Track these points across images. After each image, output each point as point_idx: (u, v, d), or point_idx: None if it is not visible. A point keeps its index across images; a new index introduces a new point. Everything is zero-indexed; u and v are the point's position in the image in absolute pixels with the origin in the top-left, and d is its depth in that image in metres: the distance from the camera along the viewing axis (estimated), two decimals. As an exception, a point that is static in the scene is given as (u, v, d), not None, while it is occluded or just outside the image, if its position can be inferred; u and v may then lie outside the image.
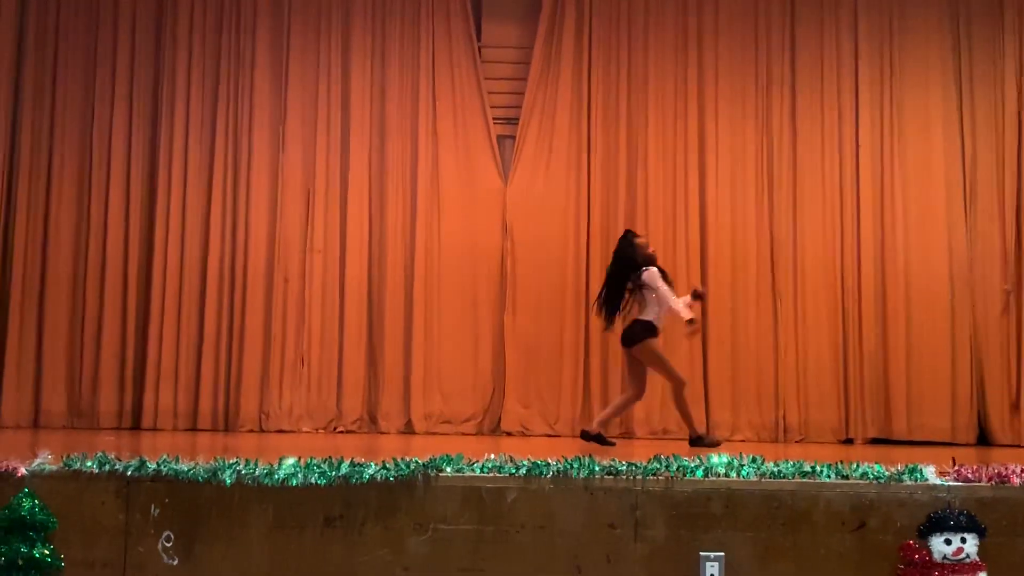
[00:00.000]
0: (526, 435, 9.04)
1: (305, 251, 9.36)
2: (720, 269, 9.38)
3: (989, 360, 9.18)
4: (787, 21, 9.64)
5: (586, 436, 7.26)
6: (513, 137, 9.58)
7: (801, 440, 9.07)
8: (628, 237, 7.46)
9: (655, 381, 9.09)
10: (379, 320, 9.33)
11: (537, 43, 9.55)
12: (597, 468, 3.97)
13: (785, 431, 9.17)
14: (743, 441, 9.01)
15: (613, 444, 7.19)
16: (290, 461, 3.93)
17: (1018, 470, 3.92)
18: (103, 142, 9.39)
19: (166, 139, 9.41)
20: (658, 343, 7.28)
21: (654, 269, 7.20)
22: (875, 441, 9.04)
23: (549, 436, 8.99)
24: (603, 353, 9.31)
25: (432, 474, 3.93)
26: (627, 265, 7.28)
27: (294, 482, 3.88)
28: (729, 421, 9.24)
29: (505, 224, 9.46)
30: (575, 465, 3.95)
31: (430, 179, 9.48)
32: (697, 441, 7.24)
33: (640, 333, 7.19)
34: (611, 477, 3.96)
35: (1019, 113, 9.39)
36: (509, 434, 9.10)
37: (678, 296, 7.29)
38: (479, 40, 9.66)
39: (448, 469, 3.95)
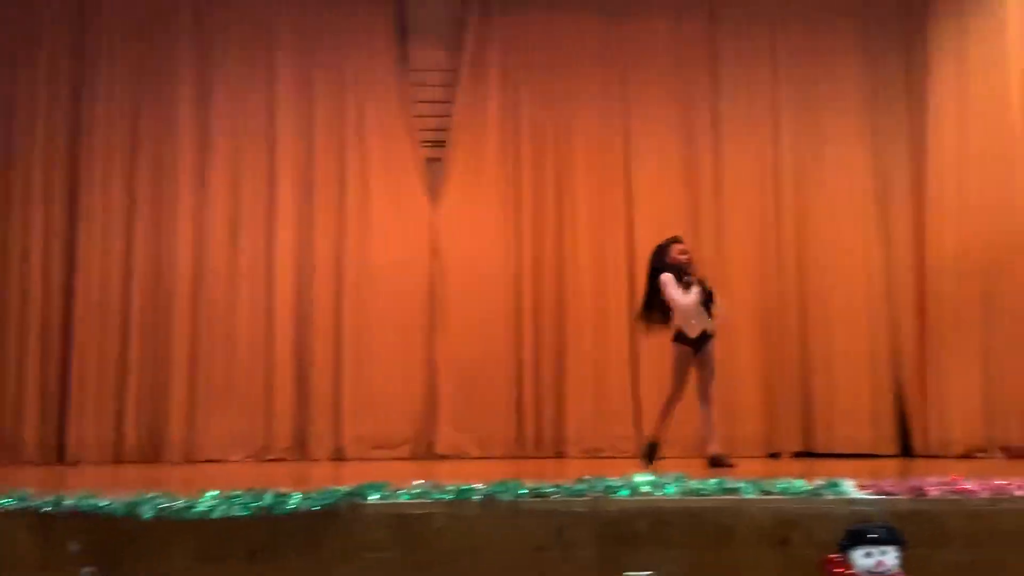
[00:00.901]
0: (461, 458, 9.00)
1: (231, 278, 9.25)
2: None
3: (908, 371, 9.35)
4: (708, 46, 9.76)
5: (714, 463, 7.06)
6: (442, 160, 9.57)
7: (729, 454, 9.11)
8: (662, 244, 7.41)
9: (599, 402, 9.20)
10: (308, 345, 9.23)
11: (463, 67, 9.57)
12: (524, 491, 3.96)
13: (714, 446, 9.22)
14: (673, 458, 9.06)
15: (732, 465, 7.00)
16: (211, 493, 3.86)
17: (935, 482, 3.98)
18: (22, 164, 9.17)
19: (87, 164, 9.21)
20: (686, 351, 7.15)
21: (667, 274, 7.13)
22: (801, 454, 9.15)
23: (484, 458, 8.95)
24: (535, 374, 9.32)
25: (357, 502, 3.89)
26: (651, 270, 7.31)
27: (215, 515, 3.81)
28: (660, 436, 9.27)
29: (435, 246, 9.43)
30: (502, 489, 3.94)
31: (358, 202, 9.42)
32: (648, 449, 7.16)
33: (674, 338, 7.18)
34: (538, 499, 3.95)
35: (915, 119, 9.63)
36: (444, 457, 9.05)
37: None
38: (405, 64, 9.65)
39: (373, 497, 3.91)
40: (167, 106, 9.35)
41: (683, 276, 7.15)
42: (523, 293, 9.39)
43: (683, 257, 7.27)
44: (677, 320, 7.15)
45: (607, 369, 9.35)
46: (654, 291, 7.22)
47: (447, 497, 3.92)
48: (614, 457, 9.02)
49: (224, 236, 9.29)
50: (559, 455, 9.15)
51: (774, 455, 9.15)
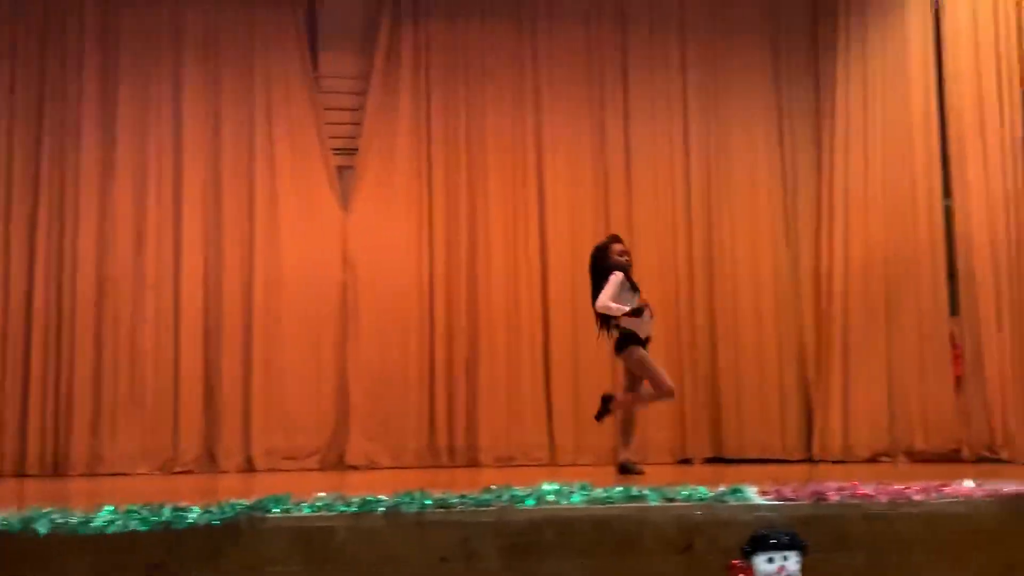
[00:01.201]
0: (372, 468, 8.93)
1: (137, 288, 9.06)
2: (560, 292, 9.47)
3: (815, 377, 9.51)
4: (618, 52, 9.83)
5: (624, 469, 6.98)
6: (353, 167, 9.50)
7: (640, 462, 9.17)
8: (603, 243, 7.32)
9: (508, 412, 9.19)
10: (216, 356, 9.08)
11: (374, 73, 9.51)
12: (429, 501, 3.92)
13: (625, 455, 9.27)
14: (584, 465, 9.10)
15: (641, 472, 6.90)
16: (108, 508, 3.76)
17: (835, 487, 4.03)
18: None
19: (-16, 170, 8.99)
20: (642, 351, 7.06)
21: (616, 275, 7.04)
22: (712, 460, 9.24)
23: (396, 468, 8.89)
24: (448, 382, 9.29)
25: (259, 516, 3.81)
26: (596, 270, 7.19)
27: (112, 530, 3.71)
28: (572, 445, 9.31)
29: (345, 255, 9.35)
30: (406, 500, 3.89)
31: (267, 210, 9.30)
32: (625, 468, 7.03)
33: (622, 341, 7.05)
34: (443, 510, 3.91)
35: (821, 133, 9.80)
36: (354, 468, 8.97)
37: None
38: (316, 71, 9.56)
39: (275, 510, 3.83)
40: (70, 113, 9.13)
41: (629, 278, 7.08)
42: (435, 301, 9.36)
43: (624, 258, 7.21)
44: (624, 323, 7.02)
45: (520, 377, 9.36)
46: (600, 291, 7.09)
47: (350, 509, 3.86)
48: (527, 465, 9.04)
49: (129, 244, 9.10)
50: (472, 464, 9.12)
51: (685, 461, 9.24)
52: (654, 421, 9.22)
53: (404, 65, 9.57)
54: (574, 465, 9.08)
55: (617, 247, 7.21)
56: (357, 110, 9.56)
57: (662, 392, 7.10)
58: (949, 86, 8.33)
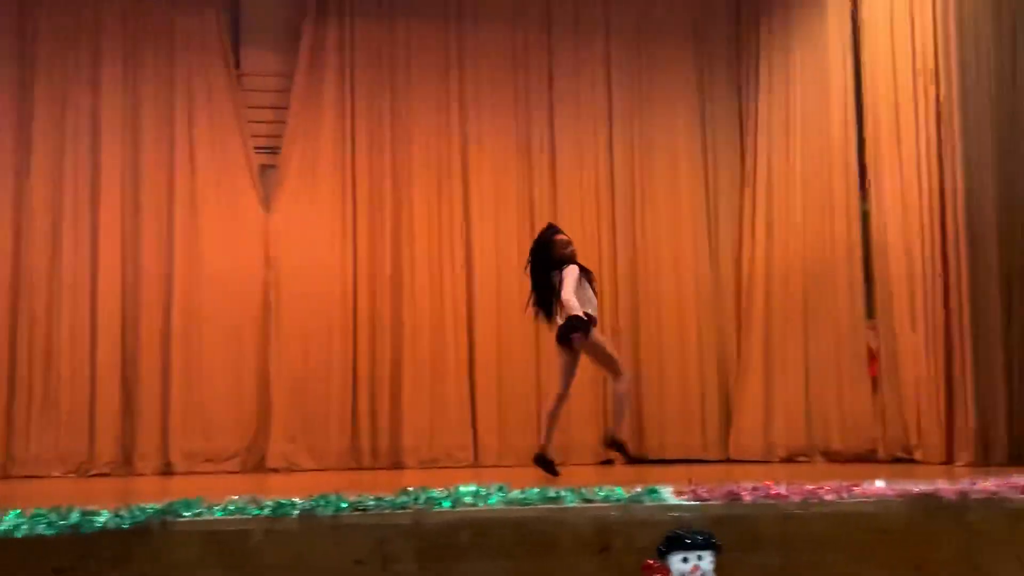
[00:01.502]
0: (293, 471, 8.85)
1: (53, 288, 8.86)
2: (485, 293, 9.50)
3: (734, 378, 9.63)
4: (544, 54, 9.86)
5: (540, 460, 6.93)
6: (276, 167, 9.41)
7: (562, 463, 9.20)
8: (545, 235, 7.17)
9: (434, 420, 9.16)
10: (133, 356, 8.93)
11: (298, 71, 9.43)
12: (344, 504, 3.88)
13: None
14: (509, 466, 9.11)
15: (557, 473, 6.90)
16: (14, 512, 3.67)
17: (749, 487, 4.07)
18: None
19: None
20: (598, 335, 6.97)
21: (572, 268, 6.92)
22: (634, 460, 9.28)
23: (318, 471, 8.82)
24: (371, 384, 9.24)
25: (170, 519, 3.75)
26: (538, 267, 7.05)
27: (19, 534, 3.62)
28: (496, 446, 9.32)
29: (267, 255, 9.26)
30: (321, 503, 3.85)
31: (188, 210, 9.18)
32: (616, 447, 7.07)
33: (572, 328, 6.81)
34: (359, 513, 3.88)
35: (744, 136, 9.95)
36: (275, 470, 8.89)
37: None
38: (238, 68, 9.45)
39: (187, 514, 3.77)
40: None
41: (585, 270, 6.98)
42: (359, 301, 9.31)
43: (569, 249, 7.09)
44: (586, 308, 6.87)
45: (444, 378, 9.34)
46: (549, 286, 6.96)
47: (265, 512, 3.81)
48: (451, 467, 9.03)
49: (45, 244, 8.92)
50: (396, 466, 9.09)
51: (607, 462, 9.28)
52: (576, 421, 9.26)
53: (328, 63, 9.50)
54: (498, 466, 9.08)
55: (560, 238, 7.09)
56: (280, 108, 9.47)
57: (619, 375, 7.05)
58: (866, 89, 8.46)
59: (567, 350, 6.97)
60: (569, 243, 7.16)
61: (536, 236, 7.39)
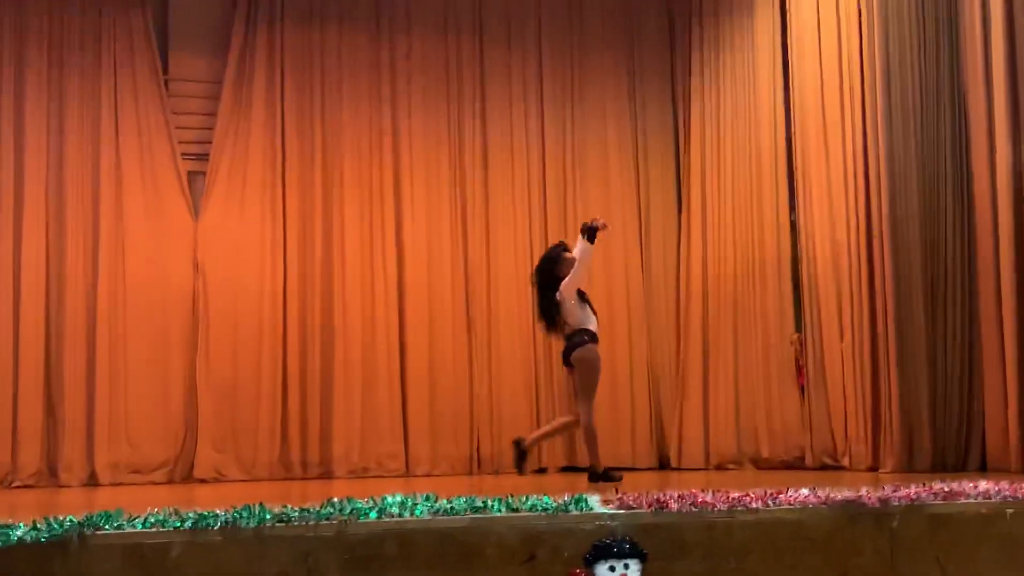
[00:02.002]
0: (221, 481, 8.75)
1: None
2: (417, 302, 9.47)
3: (666, 388, 9.71)
4: (476, 62, 9.87)
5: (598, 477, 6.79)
6: (204, 173, 9.30)
7: (495, 472, 9.25)
8: (553, 252, 7.07)
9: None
10: (58, 365, 8.77)
11: (227, 77, 9.34)
12: (267, 516, 3.84)
13: (479, 463, 9.32)
14: (442, 475, 9.10)
15: (520, 473, 6.93)
16: (-75, 527, 3.58)
17: (675, 495, 4.10)
18: None
19: None
20: (598, 358, 6.86)
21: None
22: (567, 469, 9.33)
23: (246, 481, 8.73)
24: (301, 392, 9.16)
25: (88, 533, 3.68)
26: (543, 283, 6.96)
27: (-70, 550, 3.54)
28: (429, 455, 9.29)
29: (196, 263, 9.15)
30: (244, 514, 3.81)
31: (114, 216, 9.04)
32: (595, 476, 6.92)
33: (584, 342, 6.78)
34: (282, 524, 3.84)
35: (679, 146, 10.05)
36: (203, 481, 8.78)
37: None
38: (166, 73, 9.34)
39: (106, 526, 3.71)
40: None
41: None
42: (289, 309, 9.24)
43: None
44: (588, 324, 6.84)
45: (375, 387, 9.29)
46: (548, 297, 6.89)
47: (186, 525, 3.76)
48: (382, 476, 8.98)
49: (-36, 251, 8.72)
50: (326, 476, 9.02)
51: (541, 471, 9.30)
52: (509, 431, 9.24)
53: (258, 69, 9.42)
54: (429, 476, 9.07)
55: (568, 256, 7.00)
56: (209, 115, 9.37)
57: (588, 410, 6.84)
58: (794, 101, 8.57)
59: (572, 372, 6.91)
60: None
61: (545, 251, 7.28)
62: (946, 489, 4.35)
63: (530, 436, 7.23)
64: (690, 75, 9.87)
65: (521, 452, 6.99)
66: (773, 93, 8.85)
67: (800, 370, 8.62)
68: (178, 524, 3.76)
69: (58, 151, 9.01)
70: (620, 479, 6.71)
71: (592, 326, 6.85)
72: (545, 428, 7.49)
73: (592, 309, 6.91)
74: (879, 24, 7.37)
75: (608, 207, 9.84)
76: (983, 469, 6.77)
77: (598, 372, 6.84)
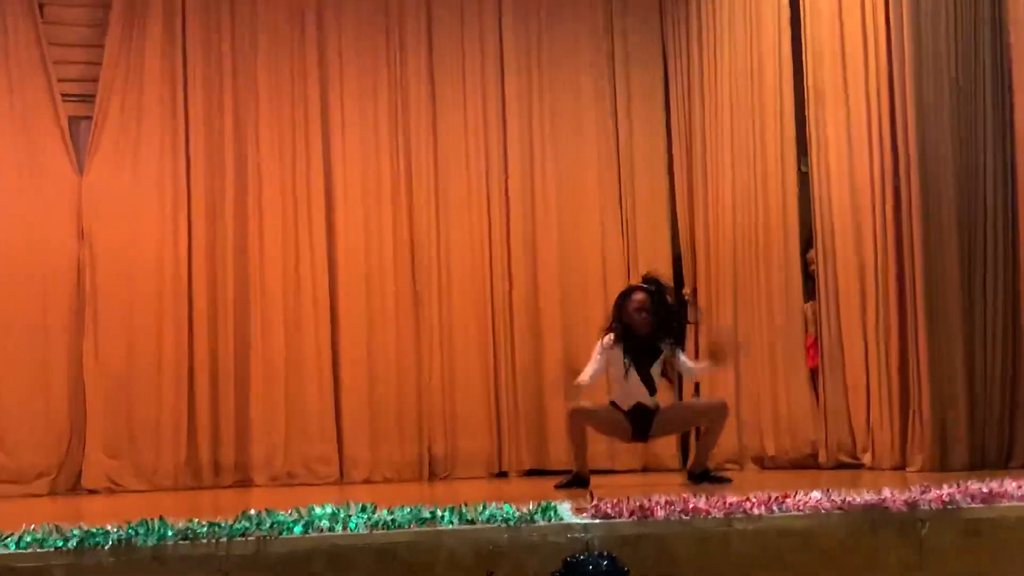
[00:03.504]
0: (115, 492, 8.74)
1: None
2: (352, 277, 9.45)
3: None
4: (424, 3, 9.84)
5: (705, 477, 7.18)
6: (90, 118, 9.23)
7: (447, 476, 9.28)
8: (626, 290, 7.43)
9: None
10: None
11: (115, 1, 9.25)
12: (170, 532, 3.85)
13: (431, 466, 9.34)
14: (384, 482, 9.12)
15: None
16: None
17: (662, 501, 4.13)
18: None
19: None
20: (615, 415, 7.23)
21: (608, 337, 7.19)
22: (531, 472, 9.38)
23: (146, 491, 8.73)
24: (211, 385, 9.14)
25: (-51, 555, 3.68)
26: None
27: None
28: (368, 458, 9.31)
29: (81, 227, 9.09)
30: (141, 531, 3.81)
31: (-23, 171, 8.97)
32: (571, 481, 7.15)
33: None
34: (188, 543, 3.84)
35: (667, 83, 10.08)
36: (92, 492, 8.77)
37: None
38: (41, -2, 9.25)
39: (-29, 547, 3.71)
40: None
41: (632, 339, 7.10)
42: (195, 286, 9.19)
43: (640, 316, 7.12)
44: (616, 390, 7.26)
45: (302, 378, 9.28)
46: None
47: (70, 544, 3.76)
48: (312, 484, 9.00)
49: None
50: (242, 484, 9.03)
51: (501, 475, 9.34)
52: (465, 428, 9.33)
53: (153, -7, 9.34)
54: (369, 482, 9.09)
55: (636, 299, 7.16)
56: (95, 46, 9.28)
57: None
58: (806, 23, 8.58)
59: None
60: (643, 309, 7.17)
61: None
62: (985, 490, 4.41)
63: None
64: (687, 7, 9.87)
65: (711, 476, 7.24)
66: (778, 14, 8.85)
67: (811, 350, 8.68)
68: (60, 543, 3.76)
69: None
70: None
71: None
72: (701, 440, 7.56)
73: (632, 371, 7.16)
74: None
75: (582, 172, 9.84)
76: (1030, 466, 6.89)
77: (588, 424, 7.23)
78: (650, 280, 7.34)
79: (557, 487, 6.92)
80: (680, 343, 7.35)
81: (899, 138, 7.55)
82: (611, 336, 7.16)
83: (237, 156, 9.39)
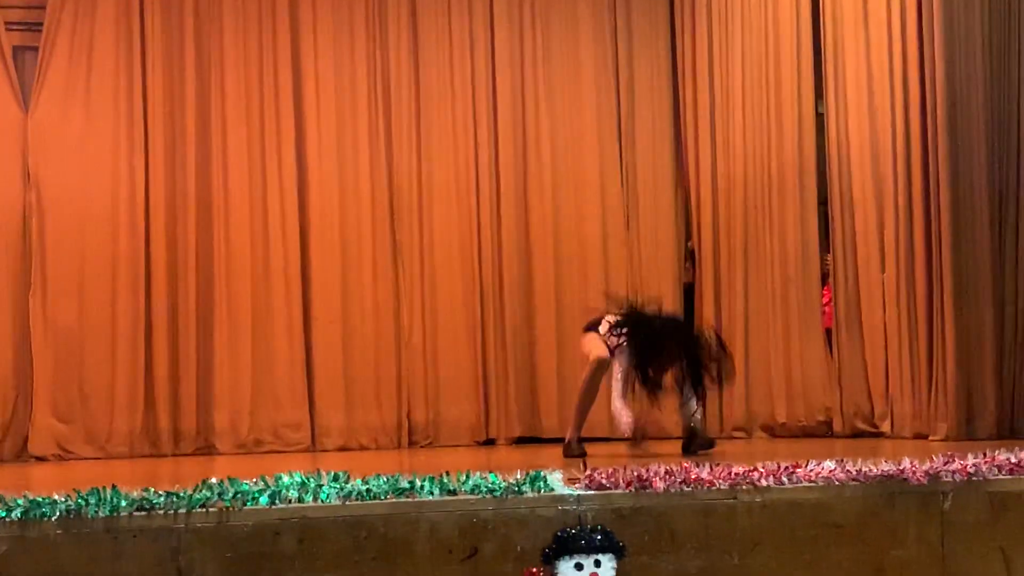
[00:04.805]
0: (65, 459, 8.77)
1: None
2: (325, 229, 9.46)
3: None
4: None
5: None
6: (36, 48, 9.18)
7: (429, 444, 9.31)
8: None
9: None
10: None
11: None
12: (124, 503, 3.85)
13: (411, 434, 9.37)
14: (360, 449, 9.15)
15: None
16: None
17: (661, 471, 4.13)
18: None
19: None
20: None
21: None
22: (521, 440, 9.41)
23: (98, 459, 8.76)
24: (170, 344, 9.15)
25: None
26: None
27: None
28: (343, 424, 9.34)
29: (27, 170, 9.07)
30: (92, 500, 3.82)
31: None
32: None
33: None
34: (143, 514, 3.85)
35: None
36: (40, 459, 8.80)
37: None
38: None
39: (-92, 519, 3.72)
40: None
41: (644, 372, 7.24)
42: (153, 234, 9.20)
43: (661, 376, 7.27)
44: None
45: (270, 336, 9.30)
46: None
47: (14, 515, 3.78)
48: (281, 451, 9.04)
49: None
50: (205, 451, 9.07)
51: (489, 442, 9.37)
52: (448, 391, 9.34)
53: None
54: (345, 450, 9.12)
55: (672, 368, 7.32)
56: (40, -33, 9.25)
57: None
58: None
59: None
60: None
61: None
62: (1014, 460, 4.43)
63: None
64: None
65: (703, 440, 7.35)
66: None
67: (827, 308, 8.69)
68: (3, 514, 3.77)
69: None
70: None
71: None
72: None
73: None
74: None
75: (578, 106, 9.82)
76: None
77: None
78: (693, 342, 7.40)
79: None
80: (700, 399, 7.50)
81: (926, 67, 7.54)
82: (630, 360, 7.29)
83: (199, 93, 9.36)
